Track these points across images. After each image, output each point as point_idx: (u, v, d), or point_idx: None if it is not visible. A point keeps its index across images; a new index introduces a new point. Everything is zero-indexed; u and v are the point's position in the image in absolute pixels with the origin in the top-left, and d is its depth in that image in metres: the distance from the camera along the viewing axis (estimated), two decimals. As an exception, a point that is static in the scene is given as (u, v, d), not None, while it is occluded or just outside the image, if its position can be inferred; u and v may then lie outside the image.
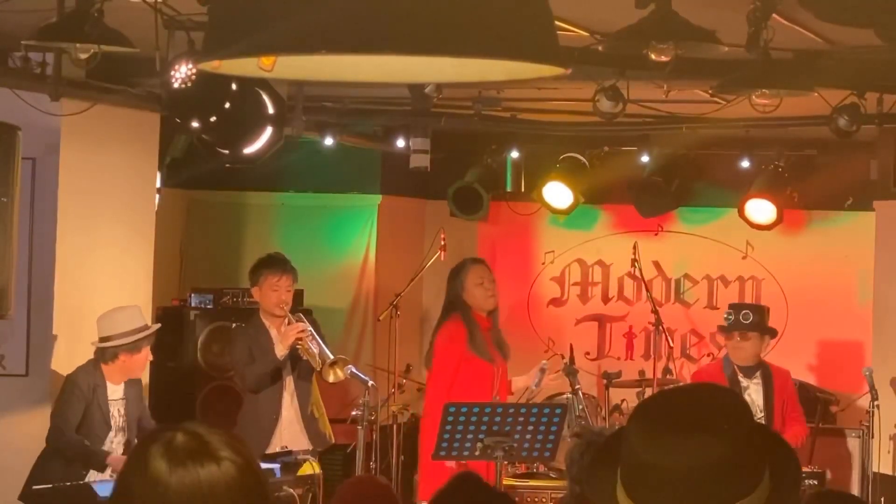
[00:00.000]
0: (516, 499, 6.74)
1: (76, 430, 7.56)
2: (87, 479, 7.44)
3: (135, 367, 7.82)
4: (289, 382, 8.45)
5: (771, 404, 8.70)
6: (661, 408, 2.47)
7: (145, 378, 8.98)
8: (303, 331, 8.29)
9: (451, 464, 7.59)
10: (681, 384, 10.03)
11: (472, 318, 8.35)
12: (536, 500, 9.11)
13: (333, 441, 8.92)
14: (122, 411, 7.78)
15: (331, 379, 8.29)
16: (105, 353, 7.70)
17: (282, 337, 8.29)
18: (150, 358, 7.97)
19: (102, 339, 7.70)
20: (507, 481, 8.18)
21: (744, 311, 8.89)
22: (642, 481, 2.41)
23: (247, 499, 2.36)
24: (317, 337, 8.39)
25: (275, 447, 8.36)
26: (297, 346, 8.32)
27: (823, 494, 4.61)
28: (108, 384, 7.70)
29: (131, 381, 7.88)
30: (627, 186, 11.41)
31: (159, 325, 8.05)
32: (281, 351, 8.27)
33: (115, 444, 7.67)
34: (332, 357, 8.30)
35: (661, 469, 2.38)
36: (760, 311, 9.00)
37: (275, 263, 8.50)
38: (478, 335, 8.32)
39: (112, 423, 7.69)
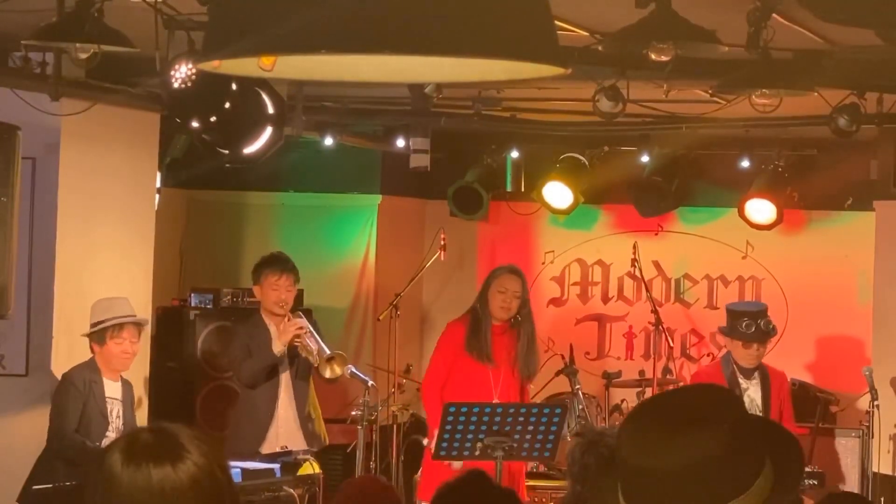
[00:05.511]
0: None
1: (76, 428, 7.56)
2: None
3: (110, 358, 7.71)
4: (286, 381, 8.46)
5: (768, 406, 8.69)
6: (648, 411, 2.44)
7: (143, 374, 8.98)
8: (301, 327, 8.31)
9: (457, 465, 7.59)
10: (678, 386, 10.03)
11: (483, 320, 8.37)
12: (537, 500, 9.12)
13: (327, 442, 8.93)
14: (121, 412, 7.76)
15: (328, 375, 8.29)
16: (90, 345, 7.71)
17: (280, 333, 8.31)
18: (129, 351, 7.76)
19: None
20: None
21: (763, 320, 8.79)
22: (636, 486, 2.38)
23: (202, 503, 2.36)
24: (315, 334, 8.40)
25: (272, 445, 8.36)
26: (296, 343, 8.33)
27: (834, 496, 4.60)
28: (105, 380, 7.69)
29: (127, 385, 7.86)
30: (627, 186, 11.41)
31: (126, 316, 7.80)
32: (279, 347, 8.29)
33: None
34: (329, 353, 8.31)
35: (651, 472, 2.35)
36: (767, 313, 8.96)
37: (275, 262, 8.52)
38: (480, 337, 8.33)
39: (110, 419, 7.67)
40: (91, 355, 7.74)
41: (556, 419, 7.46)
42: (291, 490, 7.83)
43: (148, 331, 8.43)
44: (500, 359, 8.35)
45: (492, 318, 8.38)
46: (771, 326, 8.82)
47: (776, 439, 2.45)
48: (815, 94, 7.47)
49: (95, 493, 2.37)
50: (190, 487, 2.35)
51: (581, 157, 11.22)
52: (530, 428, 7.40)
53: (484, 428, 7.32)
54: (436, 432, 8.09)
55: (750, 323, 8.79)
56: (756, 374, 8.81)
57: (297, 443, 8.43)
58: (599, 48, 6.95)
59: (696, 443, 2.32)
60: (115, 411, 7.73)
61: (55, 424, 7.58)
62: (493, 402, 7.97)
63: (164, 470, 2.35)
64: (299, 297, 9.15)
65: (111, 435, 7.65)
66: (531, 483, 9.09)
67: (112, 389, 7.74)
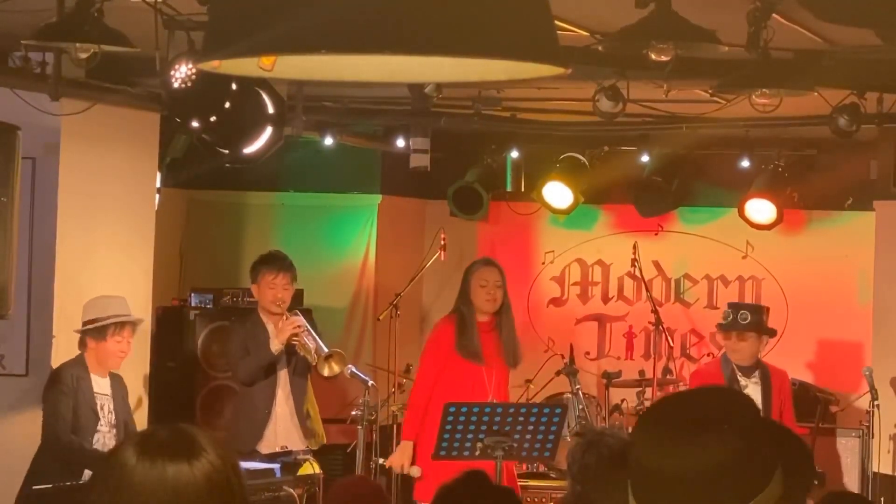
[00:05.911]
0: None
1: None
2: (84, 479, 7.39)
3: (107, 355, 7.71)
4: (283, 379, 8.45)
5: (768, 405, 8.68)
6: (664, 413, 2.44)
7: (143, 374, 8.99)
8: (298, 326, 8.31)
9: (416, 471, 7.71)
10: (685, 388, 10.03)
11: (469, 319, 8.34)
12: (536, 500, 9.12)
13: (325, 441, 8.92)
14: (112, 408, 7.75)
15: (326, 373, 8.29)
16: (80, 340, 7.70)
17: (277, 332, 8.31)
18: (125, 350, 7.78)
19: (84, 324, 7.72)
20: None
21: (742, 312, 8.84)
22: (648, 487, 2.38)
23: (214, 502, 2.37)
24: (313, 333, 8.40)
25: (270, 443, 8.36)
26: (294, 342, 8.33)
27: (834, 496, 4.59)
28: (93, 376, 7.68)
29: (116, 380, 7.84)
30: (627, 186, 11.41)
31: (128, 315, 7.81)
32: (276, 346, 8.29)
33: (107, 440, 7.62)
34: (327, 350, 8.31)
35: (666, 474, 2.35)
36: (759, 311, 8.97)
37: (272, 261, 8.52)
38: (468, 336, 8.30)
39: (101, 414, 7.66)
40: (79, 352, 7.73)
41: (556, 419, 7.46)
42: (291, 490, 7.83)
43: (148, 331, 8.43)
44: (490, 356, 8.33)
45: (478, 314, 8.35)
46: (748, 320, 8.80)
47: (789, 446, 2.46)
48: (815, 94, 7.48)
49: (105, 489, 2.36)
50: (205, 485, 2.35)
51: (581, 157, 11.23)
52: (530, 428, 7.40)
53: (484, 428, 7.32)
54: (398, 447, 8.17)
55: (728, 313, 8.84)
56: (756, 372, 8.81)
57: (294, 441, 8.43)
58: (599, 48, 6.95)
59: (710, 446, 2.34)
60: (105, 407, 7.72)
61: (51, 427, 7.55)
62: (493, 402, 7.97)
63: (179, 466, 2.34)
64: (299, 296, 9.14)
65: (103, 429, 7.64)
66: (531, 483, 9.09)
67: (100, 385, 7.72)
